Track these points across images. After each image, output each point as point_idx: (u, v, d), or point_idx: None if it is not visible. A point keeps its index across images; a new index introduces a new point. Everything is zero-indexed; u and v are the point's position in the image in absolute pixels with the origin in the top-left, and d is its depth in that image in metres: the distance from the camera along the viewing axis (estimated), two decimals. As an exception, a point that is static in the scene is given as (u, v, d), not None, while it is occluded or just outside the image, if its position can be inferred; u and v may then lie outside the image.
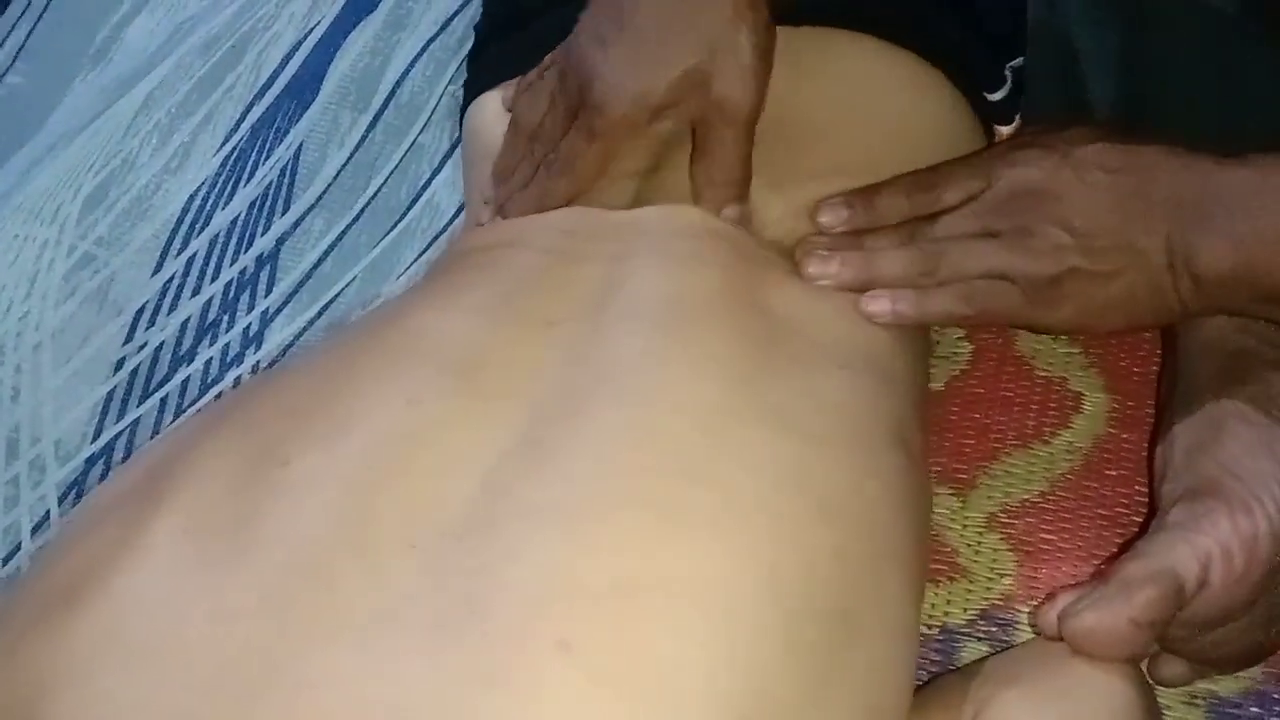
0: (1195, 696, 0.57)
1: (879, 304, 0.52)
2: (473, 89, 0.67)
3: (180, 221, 0.86)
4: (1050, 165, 0.53)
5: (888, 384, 0.50)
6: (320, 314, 0.81)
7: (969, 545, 0.62)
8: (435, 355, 0.46)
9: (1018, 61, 0.62)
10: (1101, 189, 0.52)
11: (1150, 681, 0.53)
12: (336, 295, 0.82)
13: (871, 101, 0.59)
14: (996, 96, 0.62)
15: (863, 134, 0.58)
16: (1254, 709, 0.56)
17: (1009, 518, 0.62)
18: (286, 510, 0.41)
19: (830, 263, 0.53)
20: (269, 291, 0.83)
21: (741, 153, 0.54)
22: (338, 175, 0.87)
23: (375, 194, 0.86)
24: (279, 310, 0.82)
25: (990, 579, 0.61)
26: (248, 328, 0.81)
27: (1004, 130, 0.63)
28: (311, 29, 0.95)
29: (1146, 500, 0.61)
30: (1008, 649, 0.58)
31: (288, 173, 0.88)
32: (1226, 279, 0.50)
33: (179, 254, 0.85)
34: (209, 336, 0.81)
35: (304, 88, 0.92)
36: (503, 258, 0.52)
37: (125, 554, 0.41)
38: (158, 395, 0.79)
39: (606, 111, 0.53)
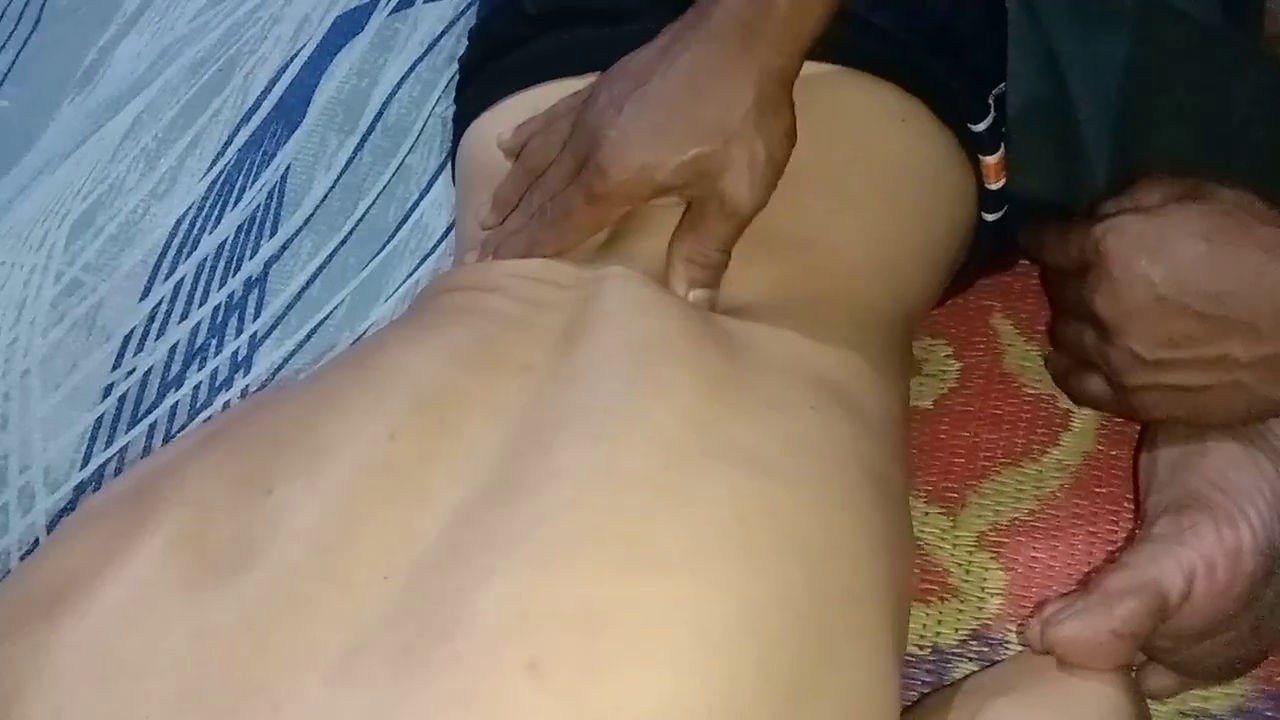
0: (1186, 715, 0.57)
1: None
2: (463, 118, 0.67)
3: (168, 246, 0.86)
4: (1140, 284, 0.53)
5: (862, 424, 0.50)
6: (309, 337, 0.81)
7: (959, 565, 0.62)
8: (413, 393, 0.46)
9: (1000, 89, 0.62)
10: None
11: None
12: (325, 318, 0.82)
13: (854, 134, 0.59)
14: (981, 127, 0.62)
15: (846, 167, 0.58)
16: (1245, 726, 0.56)
17: (999, 536, 0.62)
18: (269, 539, 0.42)
19: None
20: (257, 315, 0.83)
21: (728, 243, 0.53)
22: (325, 197, 0.87)
23: (363, 216, 0.86)
24: (267, 334, 0.82)
25: (981, 598, 0.61)
26: (236, 352, 0.81)
27: (989, 160, 0.62)
28: (298, 51, 0.95)
29: (1135, 516, 0.61)
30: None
31: (275, 195, 0.88)
32: None
33: (167, 279, 0.85)
34: (197, 361, 0.81)
35: (291, 110, 0.92)
36: (478, 302, 0.52)
37: (109, 566, 0.41)
38: (146, 421, 0.79)
39: (608, 177, 0.52)
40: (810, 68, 0.54)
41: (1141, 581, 0.50)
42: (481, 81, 0.66)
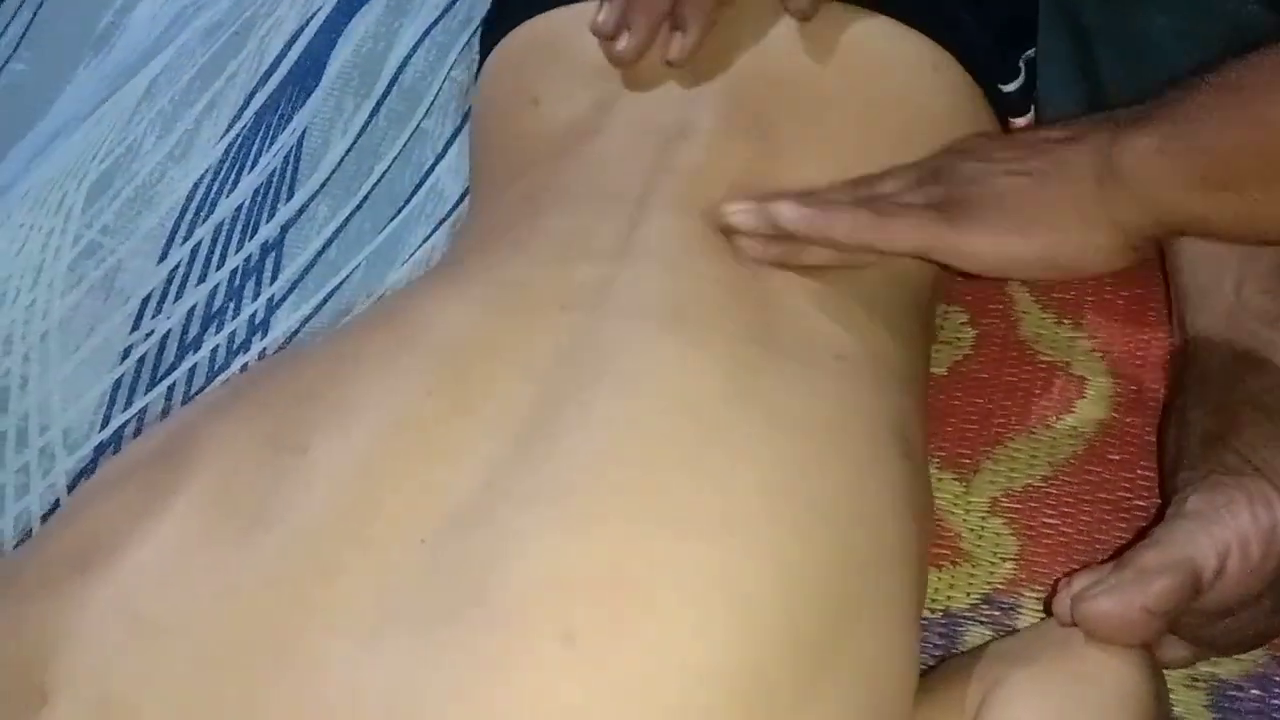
0: (1196, 679, 0.57)
1: (789, 211, 0.51)
2: (488, 42, 0.68)
3: (185, 209, 0.87)
4: (984, 138, 0.57)
5: (887, 379, 0.50)
6: (325, 300, 0.82)
7: (972, 530, 0.62)
8: (440, 346, 0.47)
9: (1031, 53, 0.62)
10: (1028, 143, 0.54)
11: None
12: (342, 282, 0.82)
13: (884, 78, 0.60)
14: (1010, 88, 0.62)
15: (873, 108, 0.59)
16: (1255, 691, 0.56)
17: (1012, 502, 0.63)
18: (299, 496, 0.42)
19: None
20: (274, 279, 0.83)
21: None
22: (341, 161, 0.87)
23: (379, 180, 0.86)
24: (284, 297, 0.82)
25: (993, 563, 0.61)
26: (253, 315, 0.82)
27: (1018, 123, 0.63)
28: (313, 14, 0.95)
29: (1149, 485, 0.61)
30: (1011, 633, 0.58)
31: (291, 159, 0.88)
32: (1154, 170, 0.49)
33: (184, 242, 0.85)
34: (215, 324, 0.82)
35: (307, 74, 0.92)
36: (509, 255, 0.52)
37: (140, 524, 0.42)
38: (165, 383, 0.79)
39: None
40: (846, 12, 0.55)
41: (1176, 559, 0.50)
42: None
